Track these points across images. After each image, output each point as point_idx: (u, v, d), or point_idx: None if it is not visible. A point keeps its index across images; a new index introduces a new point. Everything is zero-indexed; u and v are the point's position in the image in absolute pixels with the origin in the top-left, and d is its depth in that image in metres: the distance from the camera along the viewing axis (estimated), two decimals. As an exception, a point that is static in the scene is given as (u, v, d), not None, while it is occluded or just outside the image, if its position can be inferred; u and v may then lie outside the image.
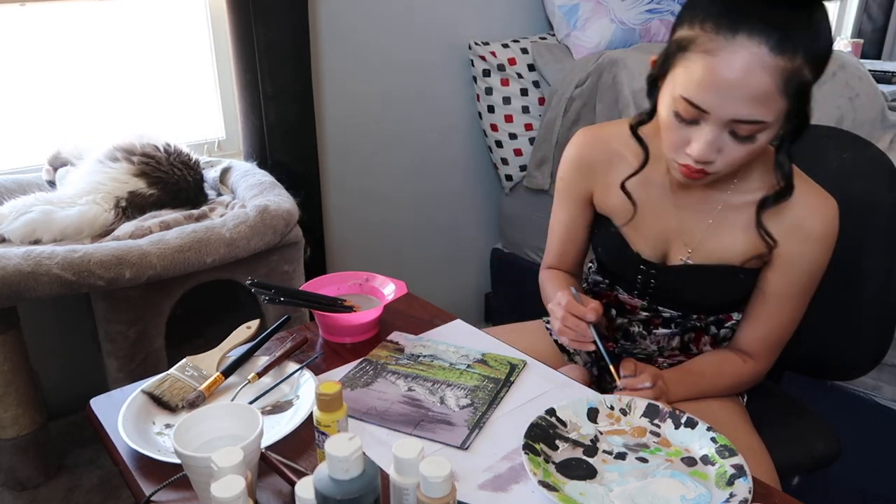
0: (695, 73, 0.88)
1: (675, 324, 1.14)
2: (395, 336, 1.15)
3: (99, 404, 0.98)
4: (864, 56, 3.51)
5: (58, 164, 1.65)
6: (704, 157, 0.92)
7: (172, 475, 0.83)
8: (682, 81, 0.90)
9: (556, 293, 1.07)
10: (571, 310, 1.02)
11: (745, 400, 1.20)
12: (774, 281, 1.04)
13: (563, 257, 1.24)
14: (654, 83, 0.98)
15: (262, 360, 1.05)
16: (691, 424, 0.90)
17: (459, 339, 1.14)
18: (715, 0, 0.88)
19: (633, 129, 1.05)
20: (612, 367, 1.02)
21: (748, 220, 1.02)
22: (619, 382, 1.00)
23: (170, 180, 1.55)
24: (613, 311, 1.20)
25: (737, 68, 0.85)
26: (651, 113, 1.01)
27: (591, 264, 1.25)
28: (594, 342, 1.01)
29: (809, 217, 0.99)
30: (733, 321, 1.12)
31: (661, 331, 1.15)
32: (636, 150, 1.06)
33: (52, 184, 1.65)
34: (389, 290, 1.19)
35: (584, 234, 1.21)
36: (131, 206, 1.50)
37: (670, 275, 1.09)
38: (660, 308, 1.14)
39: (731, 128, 0.89)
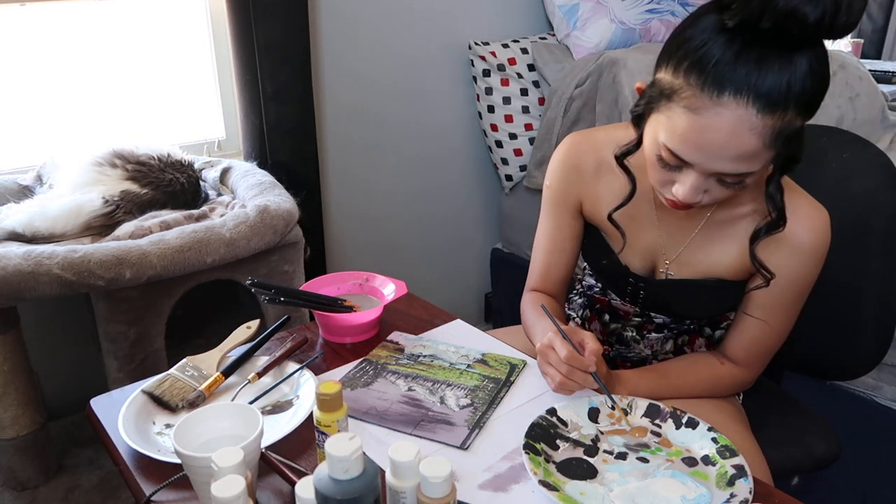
0: (678, 128, 0.82)
1: (668, 328, 1.13)
2: (395, 336, 1.15)
3: (99, 404, 0.98)
4: (864, 56, 3.51)
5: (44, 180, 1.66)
6: (689, 200, 0.89)
7: (172, 475, 0.83)
8: (665, 130, 0.85)
9: (546, 334, 0.96)
10: (574, 363, 0.92)
11: (740, 398, 1.19)
12: (761, 292, 0.99)
13: (549, 275, 1.15)
14: (639, 118, 0.92)
15: (262, 360, 1.05)
16: (692, 424, 0.90)
17: (459, 339, 1.14)
18: (701, 48, 0.79)
19: (619, 159, 0.98)
20: (611, 397, 0.94)
21: (735, 233, 0.99)
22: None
23: (161, 183, 1.55)
24: (607, 316, 1.19)
25: (722, 131, 0.79)
26: (637, 143, 0.95)
27: (585, 266, 1.24)
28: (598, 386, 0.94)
29: (799, 228, 0.94)
30: (729, 321, 1.11)
31: (654, 335, 1.14)
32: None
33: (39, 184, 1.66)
34: (389, 290, 1.19)
35: (573, 246, 1.15)
36: (127, 203, 1.50)
37: (658, 287, 1.08)
38: (652, 314, 1.13)
39: (717, 177, 0.86)
